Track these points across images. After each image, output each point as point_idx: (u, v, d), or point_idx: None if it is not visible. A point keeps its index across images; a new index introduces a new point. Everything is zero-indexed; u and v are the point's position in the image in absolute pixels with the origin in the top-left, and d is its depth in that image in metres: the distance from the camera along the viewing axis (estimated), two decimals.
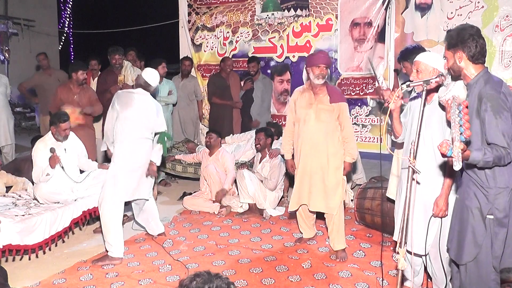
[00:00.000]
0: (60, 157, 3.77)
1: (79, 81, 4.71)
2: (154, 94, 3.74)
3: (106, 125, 3.58)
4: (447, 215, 2.50)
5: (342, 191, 3.48)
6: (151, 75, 3.62)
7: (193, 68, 6.49)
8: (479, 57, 2.16)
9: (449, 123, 2.30)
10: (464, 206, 2.21)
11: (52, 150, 3.76)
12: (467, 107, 1.86)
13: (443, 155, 1.80)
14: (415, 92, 2.67)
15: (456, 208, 2.32)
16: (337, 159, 3.42)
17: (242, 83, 5.96)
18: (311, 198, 3.48)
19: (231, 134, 5.63)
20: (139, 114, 3.52)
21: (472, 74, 2.17)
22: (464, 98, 2.10)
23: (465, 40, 2.14)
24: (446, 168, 2.50)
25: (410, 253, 2.60)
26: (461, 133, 1.76)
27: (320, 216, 3.69)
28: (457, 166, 1.74)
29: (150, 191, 3.78)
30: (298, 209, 3.63)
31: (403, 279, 2.82)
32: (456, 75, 2.24)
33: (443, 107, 2.40)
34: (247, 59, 6.21)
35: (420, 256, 2.69)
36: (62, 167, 3.79)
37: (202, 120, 6.43)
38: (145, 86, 3.60)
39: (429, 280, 2.86)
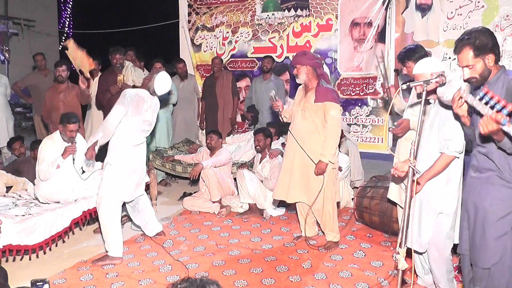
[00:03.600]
0: (76, 149, 3.80)
1: (55, 77, 4.82)
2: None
3: (112, 119, 3.40)
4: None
5: (328, 188, 3.45)
6: (159, 85, 3.46)
7: (192, 67, 6.48)
8: (499, 57, 2.15)
9: (457, 117, 2.27)
10: (481, 207, 2.13)
11: (71, 140, 3.81)
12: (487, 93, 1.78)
13: (497, 123, 1.70)
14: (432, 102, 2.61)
15: (469, 212, 2.23)
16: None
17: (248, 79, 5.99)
18: (289, 191, 3.51)
19: (231, 135, 5.62)
20: (145, 122, 3.51)
21: (493, 74, 2.11)
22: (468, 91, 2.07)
23: (496, 42, 2.10)
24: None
25: (414, 251, 2.62)
26: (502, 107, 1.69)
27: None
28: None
29: (144, 186, 3.82)
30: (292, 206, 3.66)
31: (403, 280, 2.82)
32: (480, 83, 2.12)
33: (445, 106, 2.38)
34: (245, 59, 6.20)
35: (420, 253, 2.69)
36: (74, 159, 3.83)
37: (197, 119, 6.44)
38: (152, 92, 3.52)
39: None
